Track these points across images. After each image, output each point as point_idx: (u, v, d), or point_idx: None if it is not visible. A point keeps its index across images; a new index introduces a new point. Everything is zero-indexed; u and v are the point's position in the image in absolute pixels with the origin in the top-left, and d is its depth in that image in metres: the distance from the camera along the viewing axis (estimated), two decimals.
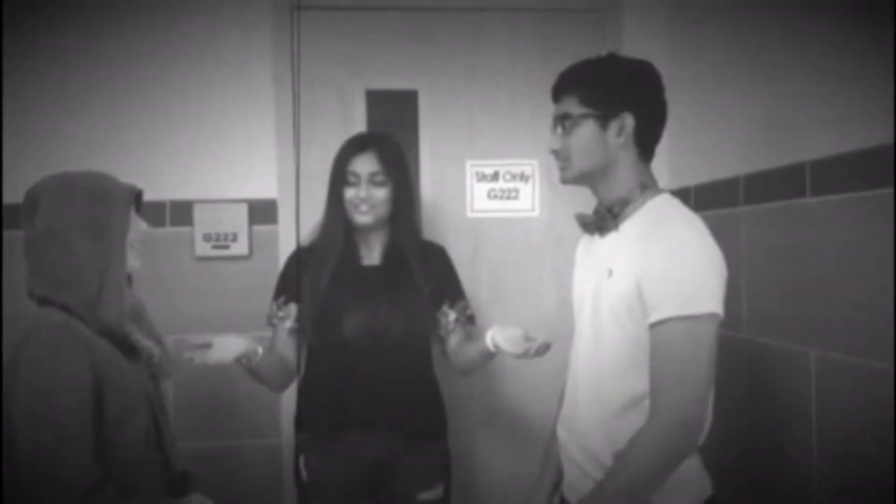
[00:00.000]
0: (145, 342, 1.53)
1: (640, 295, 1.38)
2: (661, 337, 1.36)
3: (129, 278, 1.60)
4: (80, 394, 1.38)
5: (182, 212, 2.46)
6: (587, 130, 1.47)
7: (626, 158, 1.49)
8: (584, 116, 1.47)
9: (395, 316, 1.96)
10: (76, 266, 1.45)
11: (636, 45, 2.50)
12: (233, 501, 2.37)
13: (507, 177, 2.62)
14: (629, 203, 1.48)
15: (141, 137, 2.44)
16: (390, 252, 2.02)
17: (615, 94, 1.47)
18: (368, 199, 1.95)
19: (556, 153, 1.53)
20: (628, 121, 1.46)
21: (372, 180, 1.96)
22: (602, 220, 1.51)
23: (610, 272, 1.44)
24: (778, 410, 1.93)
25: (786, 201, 1.90)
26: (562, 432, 1.59)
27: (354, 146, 2.00)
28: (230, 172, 2.47)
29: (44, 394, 1.36)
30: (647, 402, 1.40)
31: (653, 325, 1.37)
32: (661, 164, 2.50)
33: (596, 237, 1.54)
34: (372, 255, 2.04)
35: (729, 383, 2.06)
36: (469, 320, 2.07)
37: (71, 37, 2.42)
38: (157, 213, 2.43)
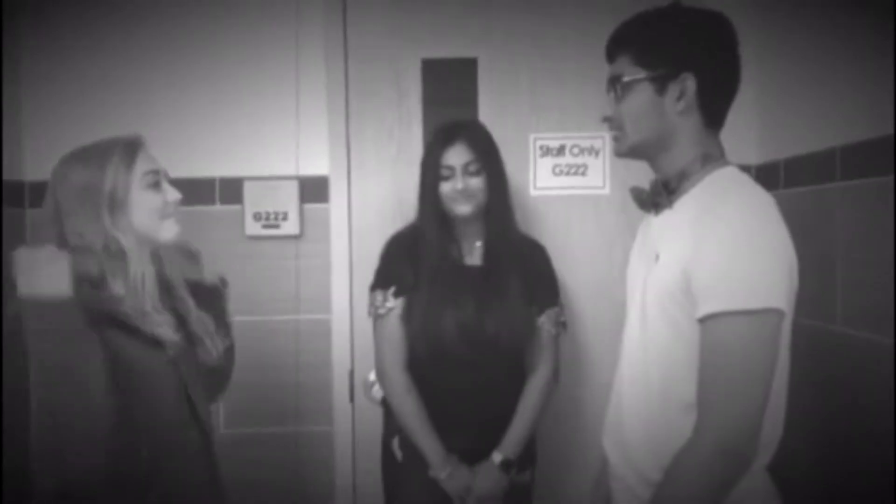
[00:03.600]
0: (160, 329, 1.42)
1: (687, 284, 1.21)
2: (710, 335, 1.18)
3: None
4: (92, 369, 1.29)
5: (232, 189, 2.38)
6: (642, 95, 1.30)
7: (688, 127, 1.31)
8: (638, 80, 1.30)
9: (499, 322, 1.90)
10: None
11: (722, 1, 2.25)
12: (284, 488, 2.36)
13: (575, 151, 2.42)
14: (688, 177, 1.31)
15: (188, 113, 2.37)
16: (491, 250, 1.97)
17: (674, 52, 1.29)
18: (466, 189, 1.91)
19: (608, 121, 1.37)
20: (689, 83, 1.28)
21: (466, 171, 1.92)
22: (656, 196, 1.35)
23: (657, 257, 1.28)
24: (876, 416, 1.69)
25: (890, 176, 1.64)
26: (607, 444, 1.44)
27: (443, 138, 1.95)
28: (281, 148, 2.38)
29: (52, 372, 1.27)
30: None
31: (701, 321, 1.19)
32: (750, 137, 2.37)
33: (652, 215, 1.38)
34: (473, 253, 2.00)
35: (821, 384, 1.84)
36: (561, 327, 2.03)
37: (111, 9, 2.36)
38: (207, 191, 2.37)
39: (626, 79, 1.30)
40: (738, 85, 1.34)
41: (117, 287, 1.37)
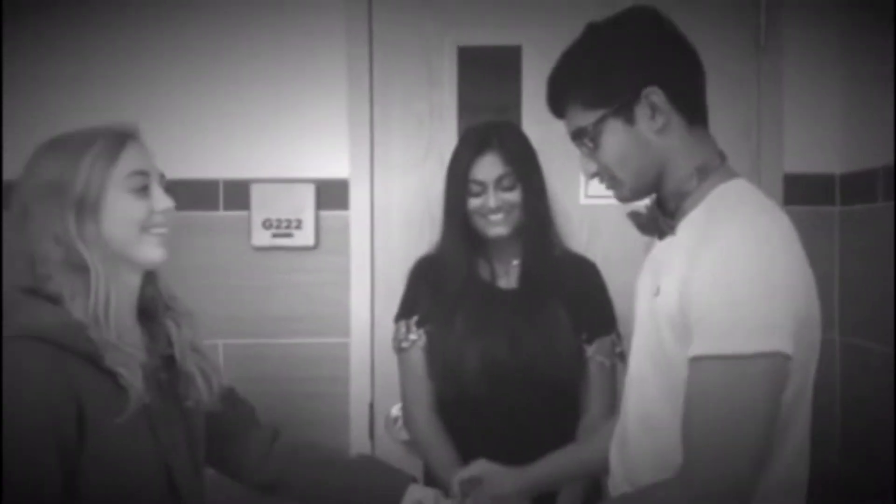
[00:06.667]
0: (124, 368, 1.14)
1: (683, 320, 1.12)
2: (696, 379, 1.09)
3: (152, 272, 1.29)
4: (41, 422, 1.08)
5: (237, 193, 2.16)
6: (615, 135, 1.19)
7: (674, 140, 1.19)
8: (601, 120, 1.19)
9: (537, 354, 1.70)
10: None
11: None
12: None
13: None
14: (686, 195, 1.20)
15: (188, 106, 2.15)
16: (530, 271, 1.78)
17: (621, 74, 1.18)
18: (500, 207, 1.72)
19: (597, 176, 1.26)
20: (656, 97, 1.17)
21: (500, 185, 1.72)
22: (655, 221, 1.25)
23: (657, 290, 1.19)
24: None
25: None
26: (614, 456, 1.35)
27: (471, 148, 1.76)
28: (294, 146, 2.17)
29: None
30: None
31: (691, 361, 1.10)
32: (833, 143, 2.12)
33: (657, 241, 1.28)
34: (509, 274, 1.81)
35: None
36: (618, 358, 1.80)
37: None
38: (209, 195, 2.16)
39: (588, 126, 1.20)
40: (699, 60, 1.22)
41: (76, 310, 1.14)
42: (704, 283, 1.08)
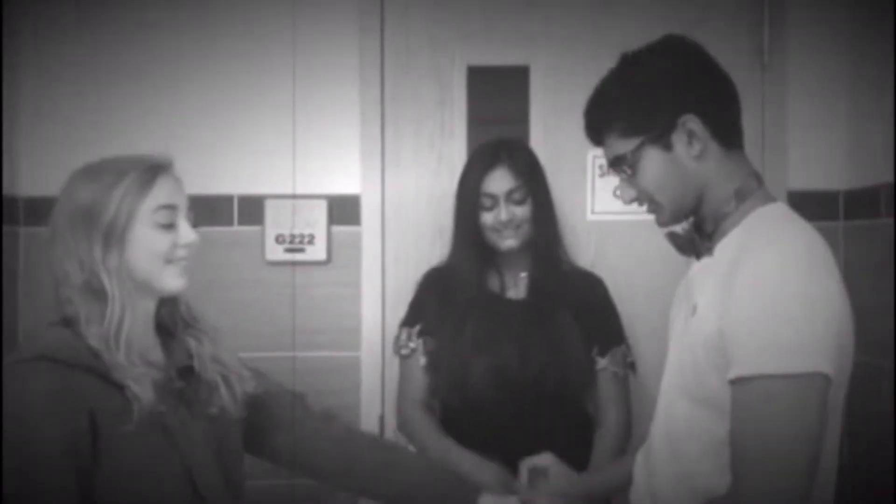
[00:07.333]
0: (131, 381, 1.15)
1: (721, 341, 1.11)
2: (743, 399, 1.08)
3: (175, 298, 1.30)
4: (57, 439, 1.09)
5: (251, 208, 2.18)
6: (651, 162, 1.20)
7: (712, 165, 1.20)
8: (639, 148, 1.20)
9: (546, 363, 1.72)
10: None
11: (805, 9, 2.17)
12: None
13: None
14: (725, 217, 1.21)
15: (203, 124, 2.18)
16: (538, 282, 1.81)
17: (656, 104, 1.19)
18: (511, 220, 1.75)
19: (637, 201, 1.27)
20: (693, 124, 1.18)
21: (510, 199, 1.76)
22: (692, 242, 1.25)
23: (694, 309, 1.19)
24: None
25: None
26: (638, 467, 1.36)
27: (483, 162, 1.80)
28: (307, 163, 2.19)
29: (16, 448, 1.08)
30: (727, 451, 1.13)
31: (733, 383, 1.10)
32: (838, 160, 2.15)
33: (694, 261, 1.28)
34: (518, 286, 1.84)
35: None
36: (629, 369, 1.82)
37: (118, 16, 2.18)
38: (224, 210, 2.18)
39: (626, 153, 1.21)
40: (734, 85, 1.24)
41: (90, 335, 1.15)
42: (744, 303, 1.08)
